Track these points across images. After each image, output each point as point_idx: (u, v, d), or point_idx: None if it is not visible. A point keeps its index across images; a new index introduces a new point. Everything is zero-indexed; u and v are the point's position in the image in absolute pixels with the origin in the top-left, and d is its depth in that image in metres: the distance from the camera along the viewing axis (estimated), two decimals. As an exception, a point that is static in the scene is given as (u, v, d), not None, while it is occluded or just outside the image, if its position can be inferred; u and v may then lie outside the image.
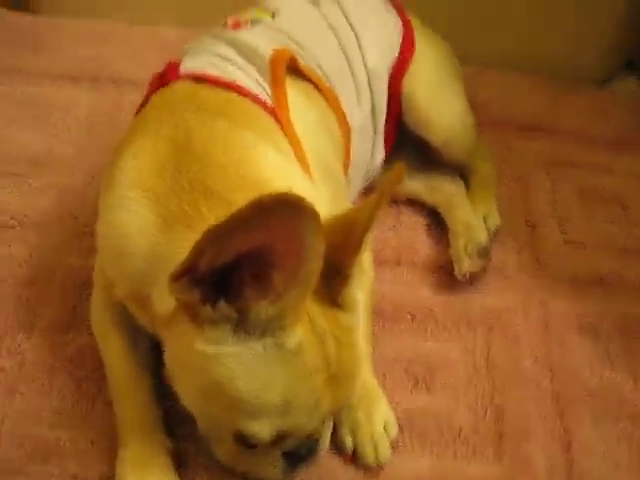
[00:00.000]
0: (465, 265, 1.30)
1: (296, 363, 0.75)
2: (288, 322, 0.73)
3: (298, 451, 0.88)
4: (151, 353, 1.09)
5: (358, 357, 0.88)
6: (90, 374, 1.14)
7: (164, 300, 0.79)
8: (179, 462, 1.03)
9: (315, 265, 0.66)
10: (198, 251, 0.66)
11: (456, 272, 1.32)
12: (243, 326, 0.73)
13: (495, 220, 1.41)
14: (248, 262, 0.68)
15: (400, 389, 1.19)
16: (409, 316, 1.28)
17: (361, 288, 1.06)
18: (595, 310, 1.34)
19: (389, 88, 1.33)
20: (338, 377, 0.81)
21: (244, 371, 0.75)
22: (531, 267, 1.40)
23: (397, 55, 1.34)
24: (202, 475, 1.04)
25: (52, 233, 1.29)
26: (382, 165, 1.38)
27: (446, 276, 1.36)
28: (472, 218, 1.37)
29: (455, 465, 1.11)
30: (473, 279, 1.31)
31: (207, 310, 0.72)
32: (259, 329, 0.73)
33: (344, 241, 0.74)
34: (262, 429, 0.78)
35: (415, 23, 1.41)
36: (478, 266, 1.30)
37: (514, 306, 1.33)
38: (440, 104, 1.35)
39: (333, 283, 0.78)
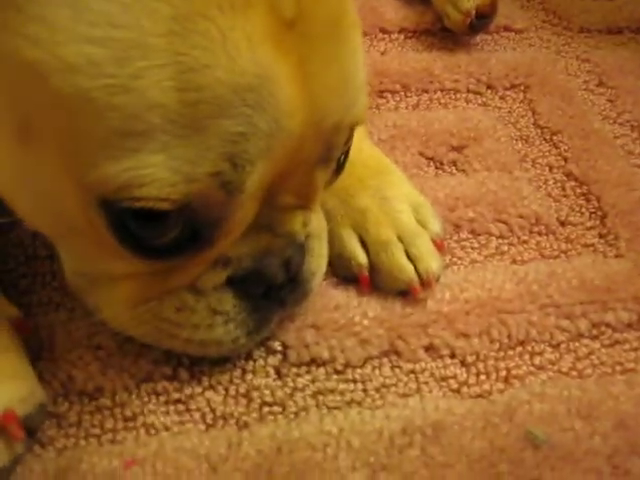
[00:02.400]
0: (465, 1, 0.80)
1: None
2: None
3: (263, 275, 0.49)
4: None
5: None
6: None
7: None
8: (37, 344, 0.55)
9: None
10: None
11: (452, 17, 0.85)
12: None
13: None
14: None
15: (416, 174, 0.68)
16: (400, 87, 0.77)
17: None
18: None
19: None
20: (307, 40, 0.40)
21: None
22: (549, 22, 0.92)
23: None
24: (82, 357, 0.55)
25: None
26: None
27: (437, 38, 0.86)
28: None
29: (548, 268, 0.63)
30: (479, 21, 0.80)
31: None
32: None
33: None
34: (144, 164, 0.38)
35: None
36: (485, -1, 0.81)
37: (546, 61, 0.83)
38: None
39: None
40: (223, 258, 0.48)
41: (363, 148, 0.63)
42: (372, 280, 0.59)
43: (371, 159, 0.63)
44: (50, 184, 0.42)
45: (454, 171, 0.71)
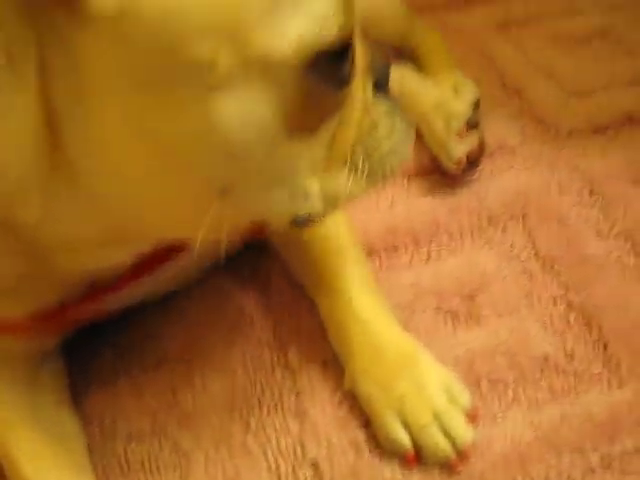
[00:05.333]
0: (455, 148, 0.92)
1: None
2: None
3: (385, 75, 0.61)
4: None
5: None
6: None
7: None
8: None
9: None
10: None
11: (446, 163, 0.94)
12: None
13: (470, 91, 1.03)
14: None
15: (437, 334, 0.80)
16: (410, 240, 0.88)
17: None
18: (641, 154, 0.96)
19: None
20: None
21: None
22: (538, 132, 1.02)
23: None
24: None
25: None
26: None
27: (437, 178, 0.96)
28: (439, 92, 0.99)
29: (560, 408, 0.74)
30: (471, 164, 0.92)
31: None
32: None
33: None
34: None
35: None
36: (472, 142, 0.92)
37: (540, 182, 0.95)
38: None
39: None
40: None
41: (393, 336, 0.74)
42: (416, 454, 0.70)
43: (402, 346, 0.74)
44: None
45: (469, 321, 0.81)
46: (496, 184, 0.96)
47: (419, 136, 1.01)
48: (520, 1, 1.34)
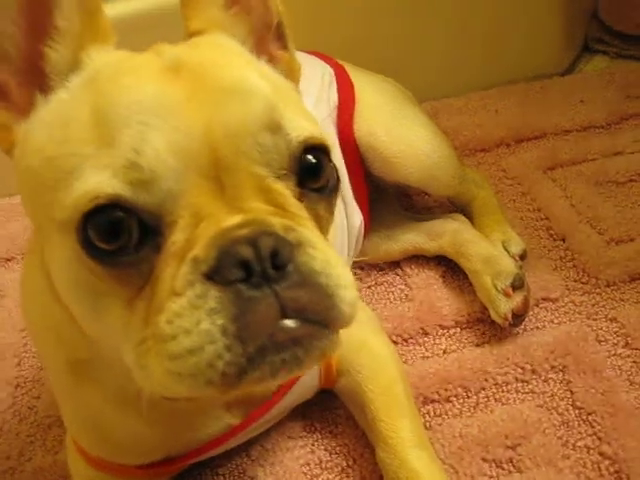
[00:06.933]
0: (502, 305, 1.04)
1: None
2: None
3: (231, 256, 0.52)
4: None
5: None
6: None
7: None
8: None
9: None
10: None
11: (494, 316, 1.06)
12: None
13: (517, 244, 1.17)
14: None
15: (483, 480, 0.90)
16: (461, 390, 1.01)
17: (383, 379, 0.92)
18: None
19: (341, 139, 1.11)
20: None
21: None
22: (580, 282, 1.14)
23: (337, 101, 1.13)
24: None
25: (9, 433, 1.06)
26: (366, 228, 1.19)
27: (486, 327, 1.09)
28: (490, 249, 1.13)
29: None
30: (517, 318, 1.04)
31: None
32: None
33: None
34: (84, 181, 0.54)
35: (346, 66, 1.21)
36: (517, 300, 1.05)
37: (580, 333, 1.06)
38: (402, 135, 1.14)
39: None
40: (193, 258, 0.52)
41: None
42: None
43: None
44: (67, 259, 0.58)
45: (512, 469, 0.93)
46: (539, 335, 1.07)
47: (471, 288, 1.14)
48: (566, 142, 1.47)
